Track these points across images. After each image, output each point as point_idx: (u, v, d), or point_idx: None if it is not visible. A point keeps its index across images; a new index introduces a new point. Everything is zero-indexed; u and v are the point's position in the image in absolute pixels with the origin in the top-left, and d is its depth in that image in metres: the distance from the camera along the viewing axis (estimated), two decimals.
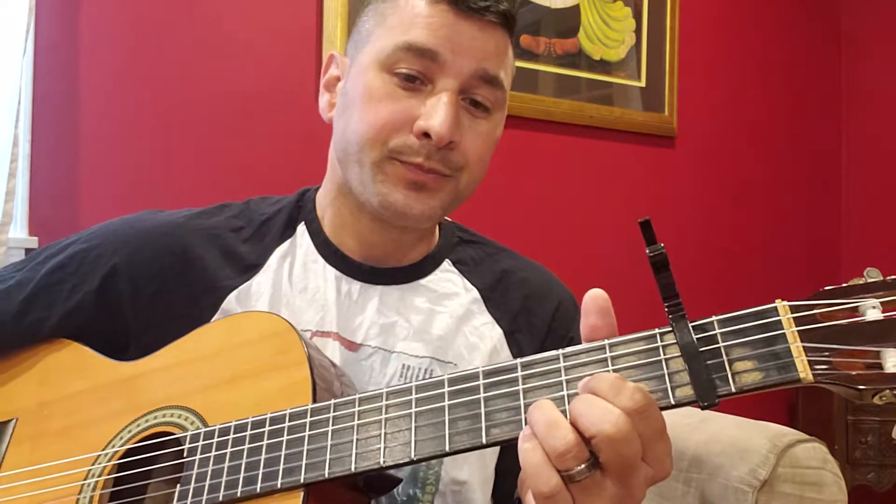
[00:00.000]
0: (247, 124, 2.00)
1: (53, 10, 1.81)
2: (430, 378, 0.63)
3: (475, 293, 0.90)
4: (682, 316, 0.56)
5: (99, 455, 0.74)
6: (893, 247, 2.84)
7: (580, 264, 2.34)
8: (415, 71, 0.78)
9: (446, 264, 0.92)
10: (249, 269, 0.87)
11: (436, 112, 0.77)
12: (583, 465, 0.52)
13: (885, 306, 0.52)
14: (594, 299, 0.59)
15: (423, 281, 0.89)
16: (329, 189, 0.90)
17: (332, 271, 0.87)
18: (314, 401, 0.66)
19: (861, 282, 0.54)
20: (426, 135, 0.77)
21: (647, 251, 0.55)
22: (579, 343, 0.93)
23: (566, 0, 2.42)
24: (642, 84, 2.56)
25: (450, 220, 0.97)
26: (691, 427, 1.13)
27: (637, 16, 2.54)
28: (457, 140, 0.79)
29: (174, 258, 0.86)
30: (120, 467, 0.73)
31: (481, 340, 0.87)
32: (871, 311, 0.52)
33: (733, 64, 2.79)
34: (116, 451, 0.73)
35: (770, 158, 2.87)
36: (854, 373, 0.51)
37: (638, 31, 2.54)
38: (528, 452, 0.53)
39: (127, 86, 1.89)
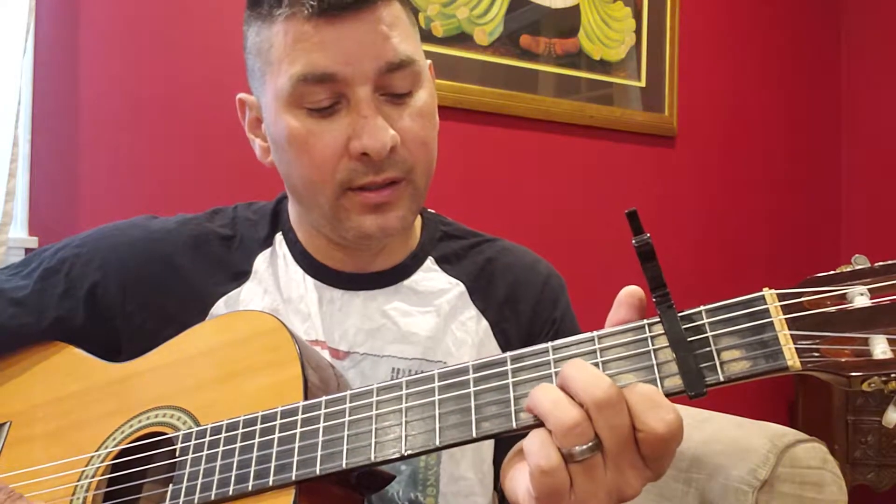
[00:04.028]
0: None
1: (53, 10, 1.81)
2: (421, 373, 0.62)
3: (461, 287, 0.89)
4: (669, 306, 0.55)
5: (92, 456, 0.74)
6: (894, 246, 2.84)
7: (580, 264, 2.34)
8: (325, 100, 0.75)
9: (429, 262, 0.90)
10: (238, 276, 0.87)
11: (363, 129, 0.74)
12: (585, 446, 0.52)
13: (873, 293, 0.52)
14: (630, 295, 0.58)
15: (406, 282, 0.88)
16: (294, 212, 0.89)
17: (311, 281, 0.86)
18: (306, 398, 0.66)
19: (849, 269, 0.54)
20: (365, 154, 0.75)
21: (633, 241, 0.55)
22: (565, 324, 0.90)
23: (566, 0, 2.42)
24: (642, 84, 2.56)
25: (433, 212, 0.96)
26: (691, 427, 1.13)
27: (637, 16, 2.54)
28: (395, 143, 0.76)
29: (163, 265, 0.86)
30: (113, 468, 0.73)
31: (468, 335, 0.87)
32: (859, 297, 0.52)
33: (733, 64, 2.79)
34: (109, 452, 0.73)
35: (770, 158, 2.87)
36: (842, 360, 0.51)
37: (638, 31, 2.54)
38: (534, 432, 0.53)
39: (127, 86, 1.89)
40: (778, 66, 2.89)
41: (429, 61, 0.86)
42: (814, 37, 2.99)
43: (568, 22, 2.43)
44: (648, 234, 0.55)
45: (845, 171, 3.03)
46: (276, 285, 0.86)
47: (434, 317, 0.86)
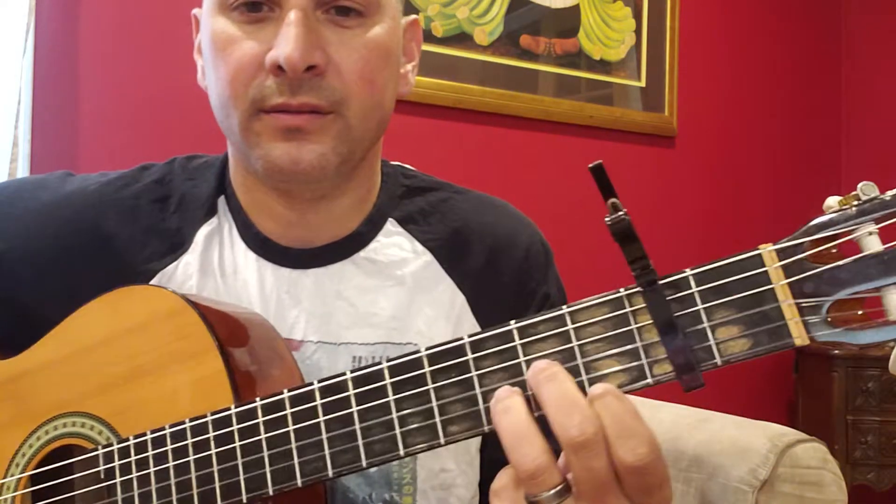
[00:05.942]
0: None
1: (53, 10, 1.81)
2: (368, 367, 0.53)
3: (428, 255, 0.77)
4: (650, 281, 0.47)
5: (2, 484, 0.66)
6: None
7: (580, 264, 2.33)
8: None
9: (390, 225, 0.77)
10: (175, 247, 0.75)
11: (282, 37, 0.63)
12: (552, 491, 0.44)
13: (885, 232, 0.44)
14: None
15: (362, 252, 0.75)
16: (232, 161, 0.77)
17: (252, 257, 0.75)
18: (236, 396, 0.58)
19: (854, 203, 0.45)
20: (280, 68, 0.64)
21: (607, 221, 0.49)
22: (556, 299, 0.80)
23: (566, 0, 2.42)
24: (642, 84, 2.56)
25: (397, 164, 0.83)
26: (691, 427, 1.13)
27: (637, 16, 2.54)
28: (320, 63, 0.65)
29: (85, 236, 0.74)
30: (33, 490, 0.65)
31: (441, 311, 0.75)
32: (868, 238, 0.44)
33: (733, 64, 2.79)
34: (22, 477, 0.65)
35: (770, 158, 2.87)
36: (855, 326, 0.44)
37: (638, 31, 2.54)
38: (500, 473, 0.47)
39: (127, 86, 1.89)
40: (778, 66, 2.89)
41: (413, 16, 0.78)
42: (814, 37, 2.98)
43: (568, 22, 2.43)
44: (626, 211, 0.49)
45: (845, 171, 3.03)
46: (219, 260, 0.75)
47: (397, 291, 0.74)
